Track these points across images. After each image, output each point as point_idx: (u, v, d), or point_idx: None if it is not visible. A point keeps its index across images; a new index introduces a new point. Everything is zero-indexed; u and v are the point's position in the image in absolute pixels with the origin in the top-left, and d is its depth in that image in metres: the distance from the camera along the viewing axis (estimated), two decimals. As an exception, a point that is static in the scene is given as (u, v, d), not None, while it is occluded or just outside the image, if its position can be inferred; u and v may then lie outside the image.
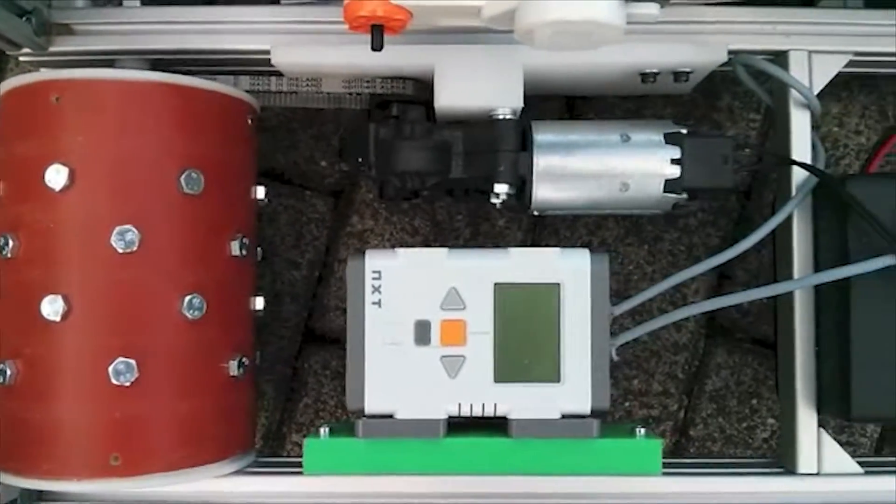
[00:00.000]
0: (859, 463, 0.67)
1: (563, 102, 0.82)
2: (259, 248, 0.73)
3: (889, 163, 0.81)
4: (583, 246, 0.81)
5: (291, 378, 0.81)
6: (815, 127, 0.68)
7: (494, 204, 0.68)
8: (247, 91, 0.70)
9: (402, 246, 0.81)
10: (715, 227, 0.81)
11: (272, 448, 0.81)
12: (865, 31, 0.69)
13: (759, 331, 0.80)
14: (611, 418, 0.81)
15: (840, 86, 0.82)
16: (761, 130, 0.82)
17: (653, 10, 0.53)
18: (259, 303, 0.71)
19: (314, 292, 0.81)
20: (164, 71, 0.65)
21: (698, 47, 0.66)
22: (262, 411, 0.81)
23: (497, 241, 0.81)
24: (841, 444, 0.79)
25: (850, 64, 0.69)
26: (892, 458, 0.71)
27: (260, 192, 0.71)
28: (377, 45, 0.55)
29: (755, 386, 0.80)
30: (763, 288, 0.65)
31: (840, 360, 0.64)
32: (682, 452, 0.81)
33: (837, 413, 0.65)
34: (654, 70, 0.68)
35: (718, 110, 0.82)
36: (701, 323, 0.81)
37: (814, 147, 0.69)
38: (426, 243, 0.81)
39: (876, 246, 0.62)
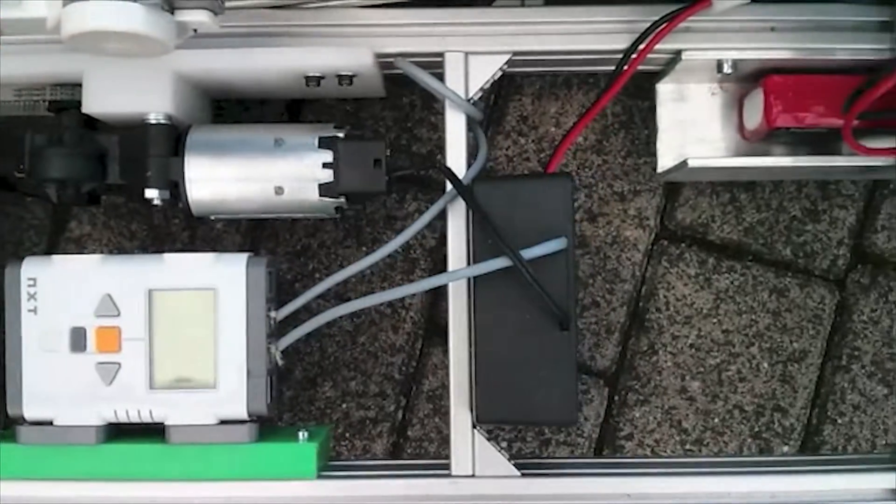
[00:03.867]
0: (518, 465, 0.67)
1: (283, 106, 0.82)
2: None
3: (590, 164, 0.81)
4: (301, 249, 0.81)
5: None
6: (488, 128, 0.68)
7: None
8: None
9: (119, 251, 0.81)
10: (431, 230, 0.81)
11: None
12: (526, 30, 0.68)
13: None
14: (328, 420, 0.81)
15: (560, 84, 0.82)
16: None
17: (203, 17, 0.53)
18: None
19: (34, 298, 0.82)
20: None
21: (341, 50, 0.66)
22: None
23: (215, 244, 0.81)
24: (559, 444, 0.80)
25: (514, 64, 0.69)
26: (555, 460, 0.71)
27: (-60, 200, 0.72)
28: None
29: (470, 387, 0.80)
30: (400, 288, 0.65)
31: (471, 361, 0.64)
32: (400, 454, 0.81)
33: (473, 415, 0.64)
34: (315, 74, 0.68)
35: (437, 113, 0.81)
36: (419, 324, 0.81)
37: (478, 147, 0.69)
38: (143, 248, 0.81)
39: (498, 248, 0.61)
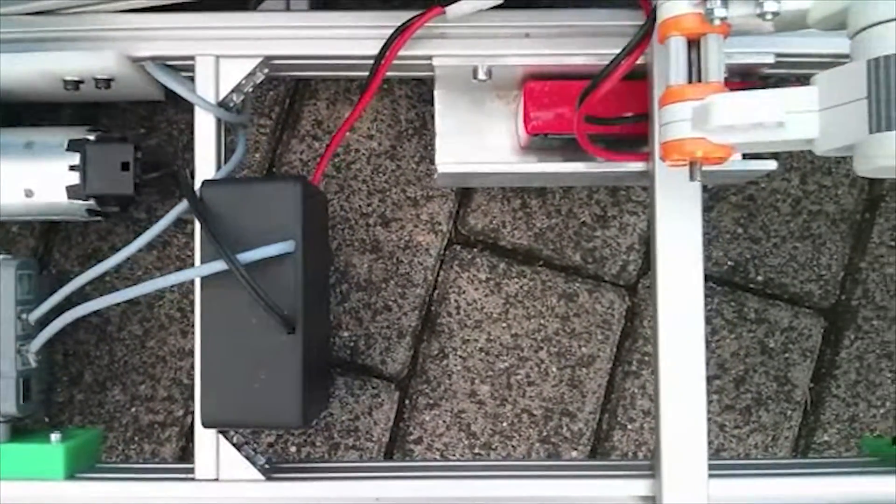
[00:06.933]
0: (270, 469, 0.67)
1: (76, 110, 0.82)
2: None
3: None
4: (92, 252, 0.81)
5: None
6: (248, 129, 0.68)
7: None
8: None
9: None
10: (221, 233, 0.81)
11: None
12: (281, 34, 0.68)
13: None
14: (118, 425, 0.81)
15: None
16: (273, 136, 0.82)
17: None
18: None
19: None
20: None
21: (86, 54, 0.66)
22: None
23: (9, 247, 0.81)
24: (348, 448, 0.80)
25: (276, 68, 0.70)
26: (312, 464, 0.71)
27: None
28: None
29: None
30: (134, 287, 0.65)
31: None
32: (189, 458, 0.81)
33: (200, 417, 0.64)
34: (70, 77, 0.68)
35: (230, 116, 0.82)
36: (209, 328, 0.81)
37: (233, 150, 0.69)
38: (-62, 250, 0.81)
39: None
